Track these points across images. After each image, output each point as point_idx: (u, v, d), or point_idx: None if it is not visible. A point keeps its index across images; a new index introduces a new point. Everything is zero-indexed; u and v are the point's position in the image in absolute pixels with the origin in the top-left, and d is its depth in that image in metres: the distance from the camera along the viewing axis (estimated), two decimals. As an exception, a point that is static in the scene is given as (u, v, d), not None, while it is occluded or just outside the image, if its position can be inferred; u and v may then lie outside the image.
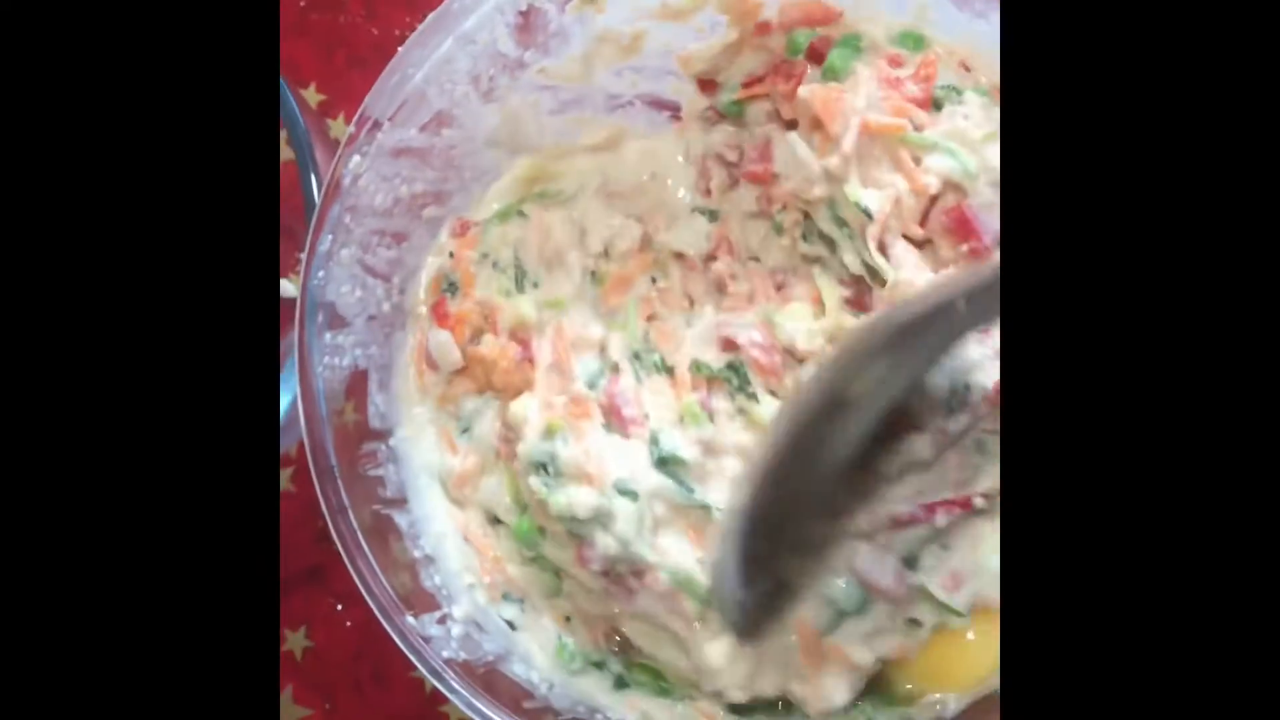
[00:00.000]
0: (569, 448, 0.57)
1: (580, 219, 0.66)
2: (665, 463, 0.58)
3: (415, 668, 0.79)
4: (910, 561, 0.58)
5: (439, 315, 0.65)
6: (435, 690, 0.79)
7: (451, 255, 0.65)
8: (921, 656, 0.59)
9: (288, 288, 0.82)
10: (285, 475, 0.84)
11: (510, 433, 0.60)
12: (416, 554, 0.63)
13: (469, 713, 0.58)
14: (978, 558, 0.57)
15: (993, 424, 0.56)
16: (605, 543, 0.57)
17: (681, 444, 0.59)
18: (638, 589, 0.59)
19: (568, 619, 0.64)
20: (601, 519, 0.56)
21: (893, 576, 0.57)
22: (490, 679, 0.60)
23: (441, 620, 0.61)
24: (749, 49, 0.63)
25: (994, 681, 0.59)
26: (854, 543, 0.57)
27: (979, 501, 0.57)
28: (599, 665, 0.63)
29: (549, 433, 0.57)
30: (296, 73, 0.83)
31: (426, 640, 0.59)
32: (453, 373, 0.65)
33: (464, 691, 0.58)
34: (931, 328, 0.49)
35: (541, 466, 0.57)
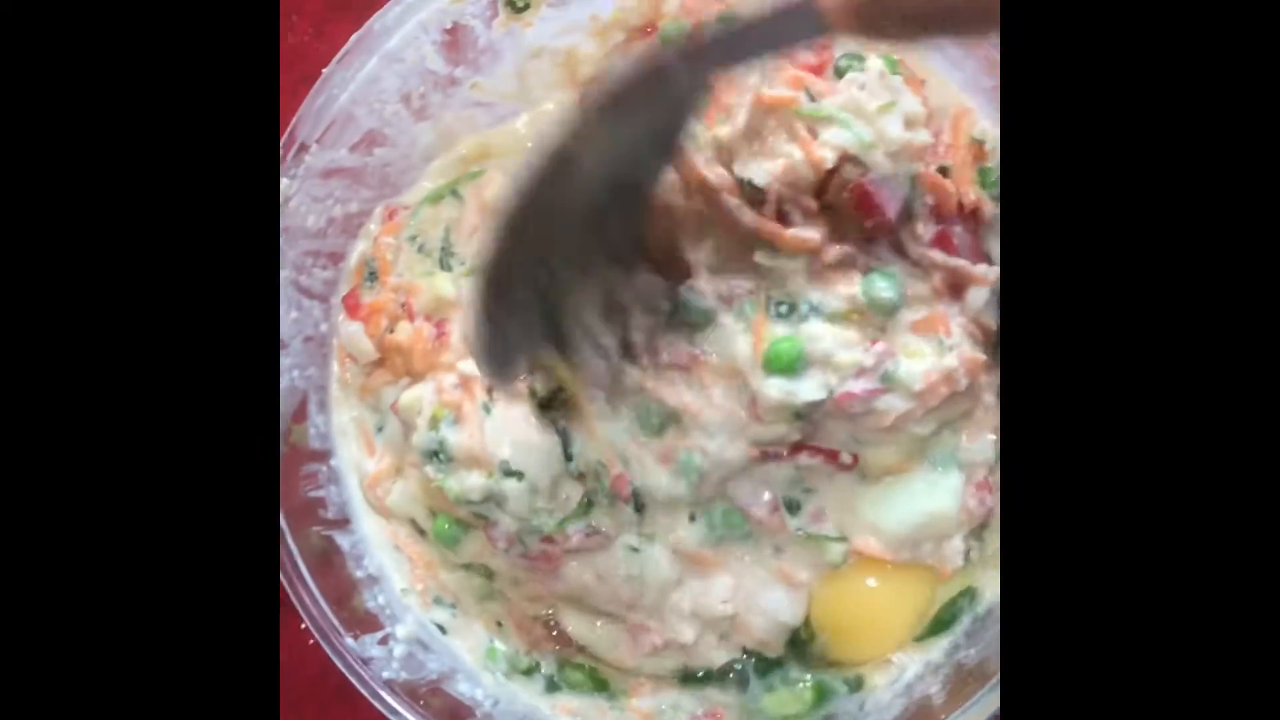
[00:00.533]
0: (456, 432, 0.56)
1: None
2: (546, 405, 0.58)
3: (378, 686, 0.80)
4: (789, 505, 0.58)
5: (350, 307, 0.64)
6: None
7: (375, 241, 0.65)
8: (832, 609, 0.60)
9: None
10: (247, 495, 0.84)
11: (404, 424, 0.60)
12: (359, 574, 0.63)
13: (409, 733, 0.57)
14: (850, 506, 0.58)
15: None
16: (505, 522, 0.57)
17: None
18: (558, 557, 0.58)
19: (499, 624, 0.63)
20: (496, 499, 0.56)
21: (766, 508, 0.57)
22: (433, 698, 0.60)
23: (384, 640, 0.61)
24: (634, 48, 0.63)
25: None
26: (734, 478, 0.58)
27: (845, 458, 0.57)
28: (528, 671, 0.63)
29: (434, 420, 0.57)
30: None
31: (366, 662, 0.59)
32: (370, 363, 0.64)
33: (404, 712, 0.58)
34: (647, 95, 0.48)
35: (434, 454, 0.57)
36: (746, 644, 0.61)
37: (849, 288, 0.54)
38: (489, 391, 0.57)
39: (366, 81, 0.60)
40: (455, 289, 0.61)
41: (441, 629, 0.63)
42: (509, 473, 0.55)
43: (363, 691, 0.58)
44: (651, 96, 0.48)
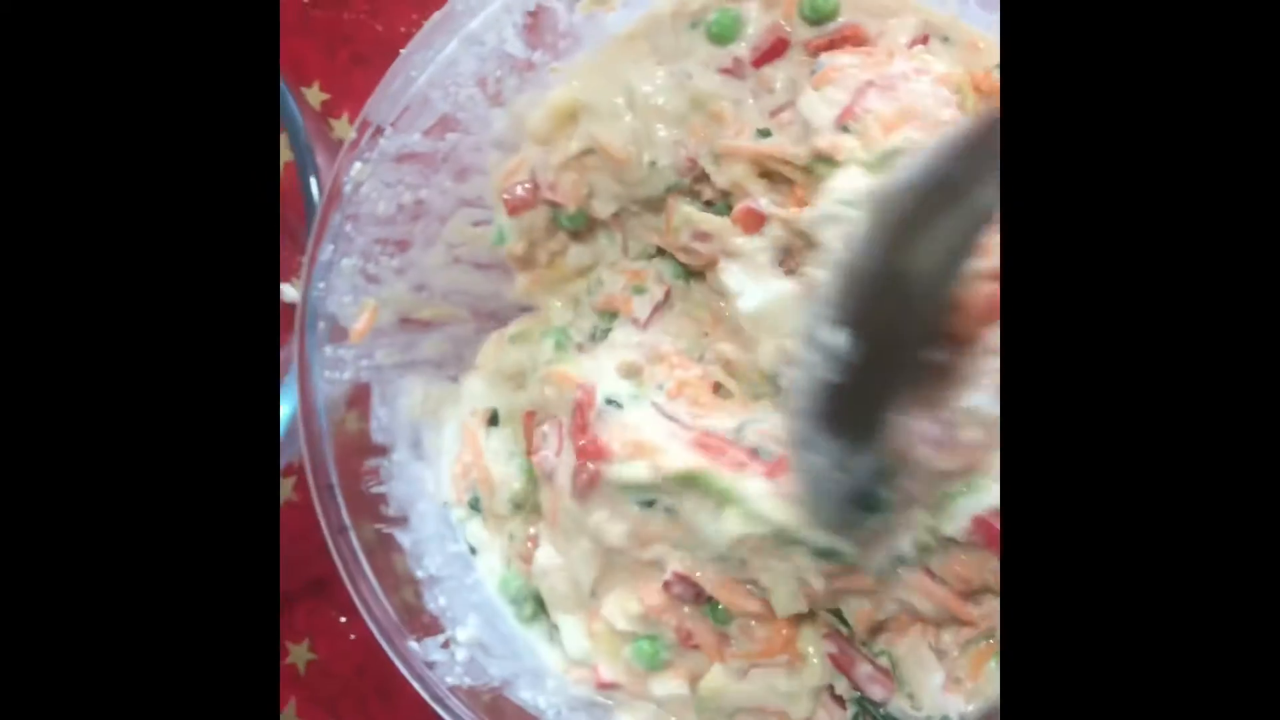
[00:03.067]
0: None
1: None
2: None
3: (421, 684, 0.78)
4: None
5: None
6: (441, 706, 0.78)
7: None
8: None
9: (289, 292, 0.80)
10: (288, 485, 0.82)
11: None
12: (420, 574, 0.61)
13: (475, 742, 0.56)
14: None
15: None
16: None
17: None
18: None
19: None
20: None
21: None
22: (496, 705, 0.58)
23: (445, 645, 0.59)
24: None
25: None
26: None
27: None
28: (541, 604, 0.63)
29: None
30: (299, 71, 0.81)
31: (430, 666, 0.57)
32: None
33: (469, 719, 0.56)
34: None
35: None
36: None
37: None
38: None
39: (445, 64, 0.58)
40: None
41: (472, 550, 0.64)
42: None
43: (427, 699, 0.56)
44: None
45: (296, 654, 0.81)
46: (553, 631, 0.63)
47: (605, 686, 0.61)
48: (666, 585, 0.58)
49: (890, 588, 0.56)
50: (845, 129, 0.56)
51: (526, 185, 0.63)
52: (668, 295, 0.64)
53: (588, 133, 0.61)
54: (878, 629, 0.59)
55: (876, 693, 0.58)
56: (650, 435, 0.56)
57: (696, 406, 0.59)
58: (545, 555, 0.61)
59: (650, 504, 0.57)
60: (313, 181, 0.62)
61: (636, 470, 0.56)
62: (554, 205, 0.63)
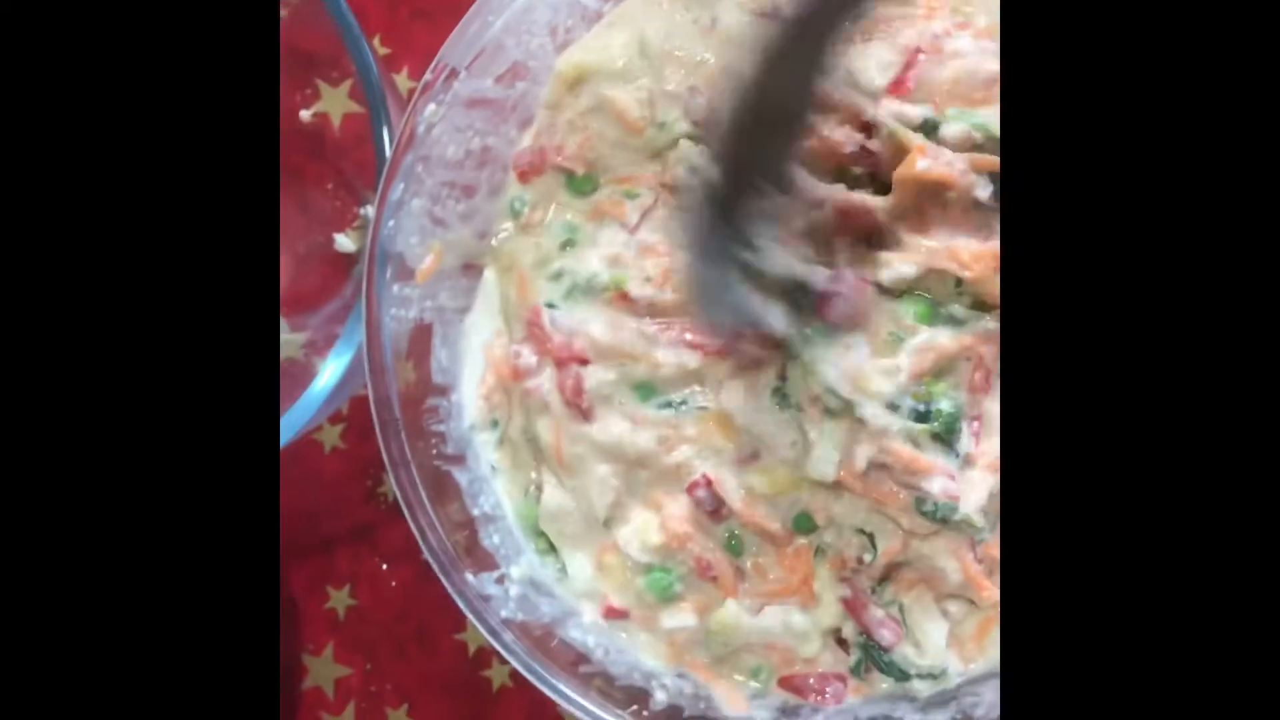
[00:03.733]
0: None
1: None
2: None
3: (459, 631, 0.79)
4: None
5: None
6: (478, 654, 0.79)
7: None
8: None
9: (343, 242, 0.82)
10: (335, 432, 0.83)
11: None
12: (475, 512, 0.62)
13: (526, 674, 0.57)
14: None
15: None
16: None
17: None
18: None
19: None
20: None
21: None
22: (546, 641, 0.59)
23: (499, 580, 0.60)
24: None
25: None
26: None
27: None
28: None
29: None
30: (364, 23, 0.82)
31: (485, 599, 0.58)
32: None
33: (521, 652, 0.57)
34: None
35: None
36: None
37: None
38: None
39: (521, 10, 0.59)
40: None
41: (493, 469, 0.65)
42: None
43: (481, 630, 0.57)
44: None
45: (337, 599, 0.82)
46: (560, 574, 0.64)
47: (614, 614, 0.62)
48: (692, 488, 0.59)
49: (927, 541, 0.58)
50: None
51: (536, 150, 0.64)
52: (656, 200, 0.64)
53: (596, 93, 0.62)
54: (890, 573, 0.59)
55: (885, 637, 0.59)
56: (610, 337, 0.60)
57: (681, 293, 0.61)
58: (551, 497, 0.62)
59: (669, 404, 0.59)
60: (384, 129, 0.63)
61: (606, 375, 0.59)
62: (564, 171, 0.64)
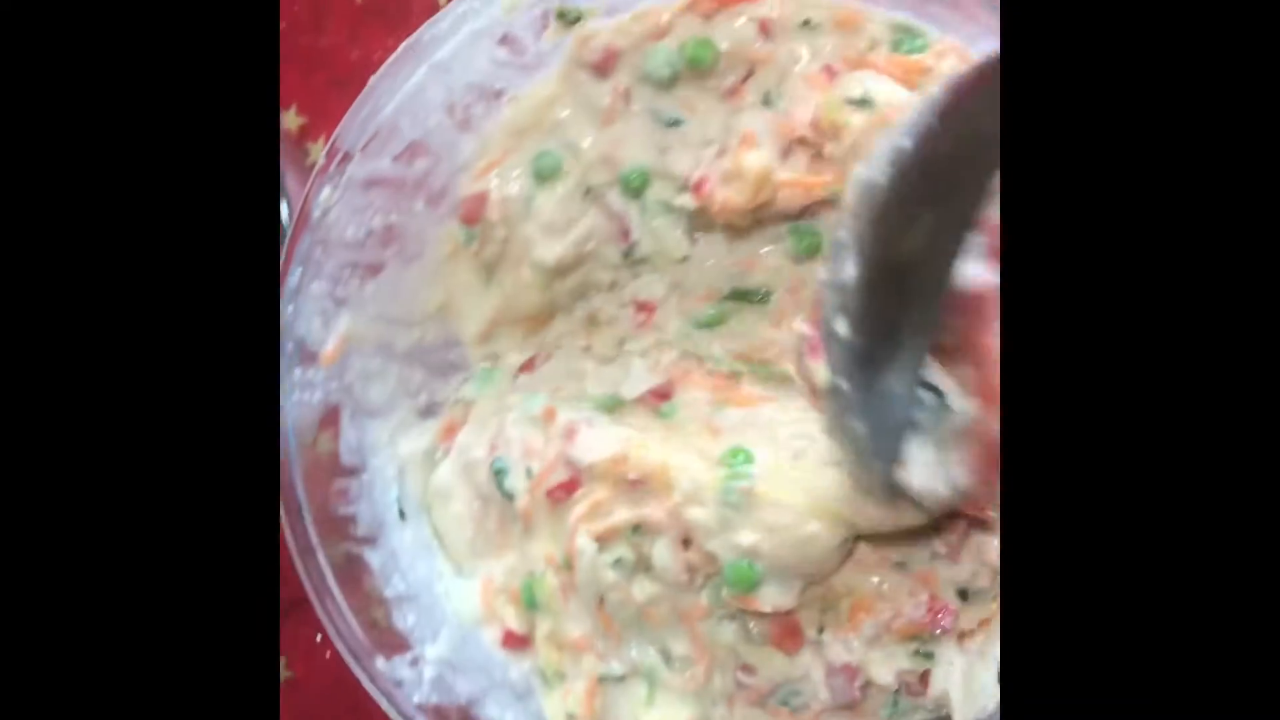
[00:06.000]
0: None
1: None
2: None
3: (394, 703, 0.79)
4: None
5: None
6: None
7: None
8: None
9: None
10: (265, 503, 0.83)
11: None
12: (389, 593, 0.62)
13: (440, 760, 0.56)
14: None
15: None
16: None
17: None
18: None
19: None
20: None
21: None
22: (462, 723, 0.59)
23: (414, 663, 0.60)
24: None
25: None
26: None
27: None
28: None
29: None
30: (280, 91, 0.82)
31: (398, 684, 0.58)
32: None
33: (435, 738, 0.57)
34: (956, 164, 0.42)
35: None
36: None
37: None
38: None
39: (413, 92, 0.59)
40: None
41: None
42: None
43: (393, 715, 0.57)
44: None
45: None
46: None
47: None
48: None
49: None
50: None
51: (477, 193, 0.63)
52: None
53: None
54: None
55: None
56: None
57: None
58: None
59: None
60: (283, 205, 0.63)
61: None
62: None
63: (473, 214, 0.63)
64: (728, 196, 0.59)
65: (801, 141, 0.59)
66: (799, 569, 0.55)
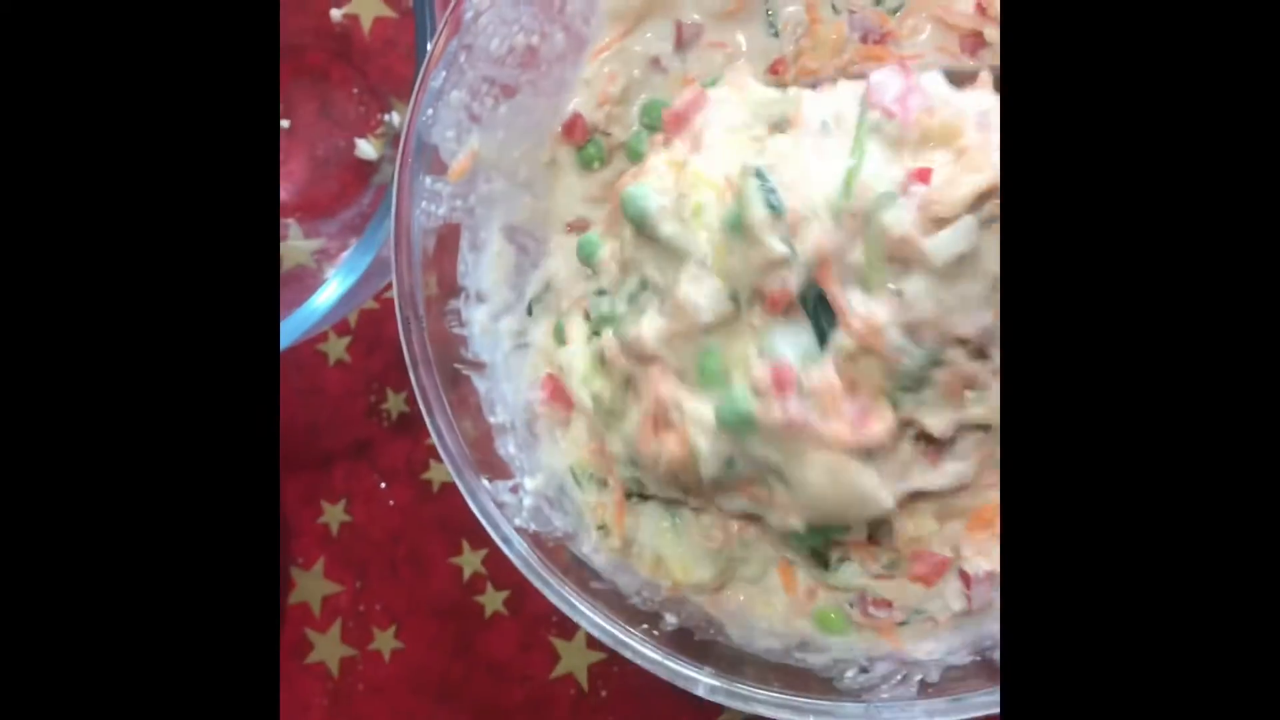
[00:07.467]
0: None
1: None
2: None
3: (454, 555, 0.78)
4: None
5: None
6: (473, 579, 0.78)
7: None
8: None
9: (365, 148, 0.79)
10: (341, 345, 0.81)
11: None
12: (492, 420, 0.60)
13: (538, 585, 0.55)
14: None
15: None
16: None
17: None
18: None
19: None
20: None
21: None
22: (558, 555, 0.58)
23: (514, 490, 0.59)
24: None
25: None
26: None
27: None
28: None
29: None
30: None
31: (500, 505, 0.56)
32: None
33: (534, 562, 0.55)
34: None
35: None
36: None
37: None
38: None
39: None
40: None
41: None
42: None
43: (494, 536, 0.55)
44: None
45: (331, 514, 0.80)
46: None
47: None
48: None
49: None
50: None
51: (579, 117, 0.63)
52: None
53: None
54: None
55: None
56: None
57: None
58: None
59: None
60: (427, 15, 0.61)
61: None
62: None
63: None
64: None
65: None
66: None
